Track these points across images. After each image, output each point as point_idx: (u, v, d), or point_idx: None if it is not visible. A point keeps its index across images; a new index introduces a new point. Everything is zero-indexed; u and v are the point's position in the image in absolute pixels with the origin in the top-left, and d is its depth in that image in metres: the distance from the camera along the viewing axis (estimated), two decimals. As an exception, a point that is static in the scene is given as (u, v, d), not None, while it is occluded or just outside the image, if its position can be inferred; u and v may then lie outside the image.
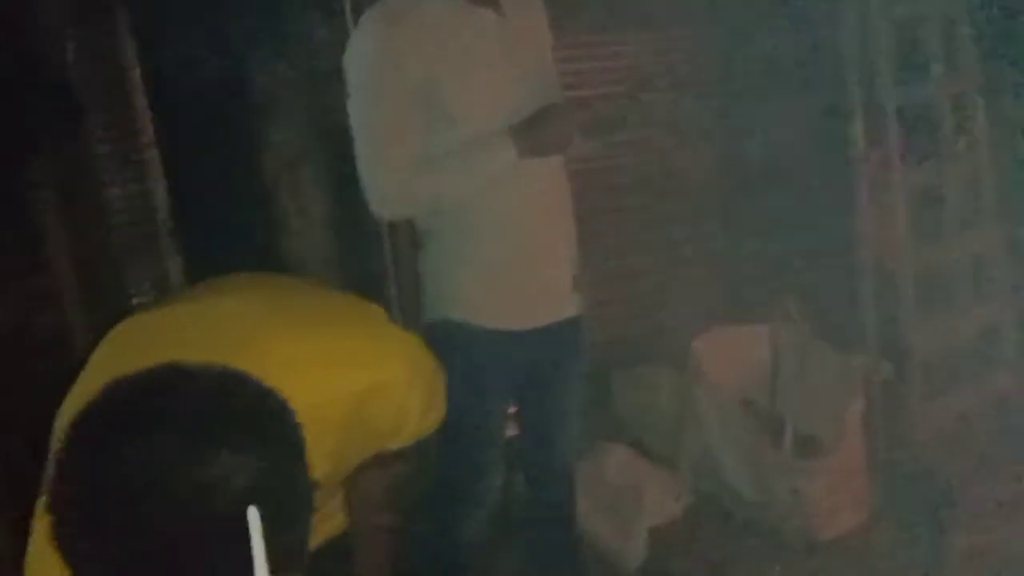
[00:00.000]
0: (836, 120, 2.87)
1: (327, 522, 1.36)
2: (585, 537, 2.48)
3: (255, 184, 3.00)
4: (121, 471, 0.77)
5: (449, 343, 1.63)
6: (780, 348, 2.96)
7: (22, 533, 1.03)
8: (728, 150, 3.24)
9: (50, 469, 0.82)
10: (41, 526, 0.91)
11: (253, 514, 0.76)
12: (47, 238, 2.46)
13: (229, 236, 2.70)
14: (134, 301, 2.79)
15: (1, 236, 2.28)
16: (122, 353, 1.03)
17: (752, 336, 2.99)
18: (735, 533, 2.69)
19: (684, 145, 3.10)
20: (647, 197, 3.20)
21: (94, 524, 0.77)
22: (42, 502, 0.92)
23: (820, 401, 2.76)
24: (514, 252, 1.81)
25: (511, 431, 2.15)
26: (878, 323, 3.04)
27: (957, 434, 3.05)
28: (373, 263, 2.98)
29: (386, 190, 1.72)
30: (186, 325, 1.06)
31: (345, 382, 1.13)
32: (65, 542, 0.78)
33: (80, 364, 1.05)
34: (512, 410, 2.13)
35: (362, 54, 1.74)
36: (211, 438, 0.79)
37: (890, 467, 2.85)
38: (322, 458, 0.99)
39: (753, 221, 3.16)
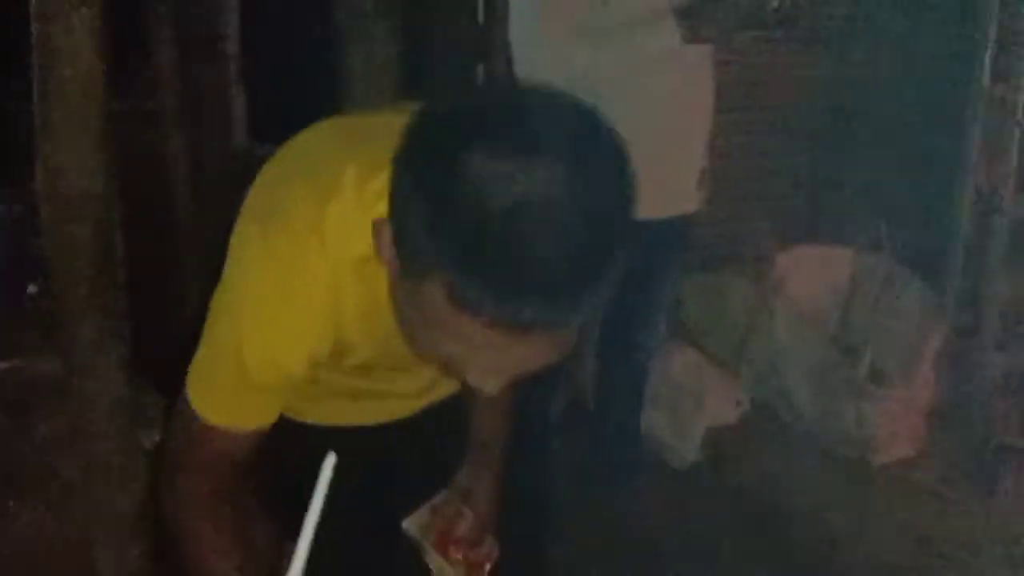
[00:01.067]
0: (961, 46, 2.76)
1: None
2: (644, 428, 2.55)
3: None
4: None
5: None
6: (863, 274, 2.95)
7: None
8: (850, 70, 3.14)
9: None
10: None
11: None
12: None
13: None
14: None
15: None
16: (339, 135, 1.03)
17: (836, 258, 2.97)
18: (790, 445, 2.74)
19: (807, 58, 3.00)
20: (745, 106, 3.13)
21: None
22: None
23: (896, 332, 2.76)
24: (659, 137, 1.78)
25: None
26: (967, 264, 3.00)
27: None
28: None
29: (540, 58, 1.70)
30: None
31: None
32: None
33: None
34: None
35: None
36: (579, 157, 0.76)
37: (952, 409, 2.87)
38: None
39: (860, 143, 3.09)
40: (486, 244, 0.74)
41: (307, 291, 0.96)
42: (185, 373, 1.05)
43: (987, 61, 2.79)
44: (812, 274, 2.92)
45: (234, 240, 1.00)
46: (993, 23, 2.83)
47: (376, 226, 0.86)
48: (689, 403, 2.73)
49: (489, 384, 0.86)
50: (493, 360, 0.82)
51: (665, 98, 1.77)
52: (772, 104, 3.09)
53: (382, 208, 0.85)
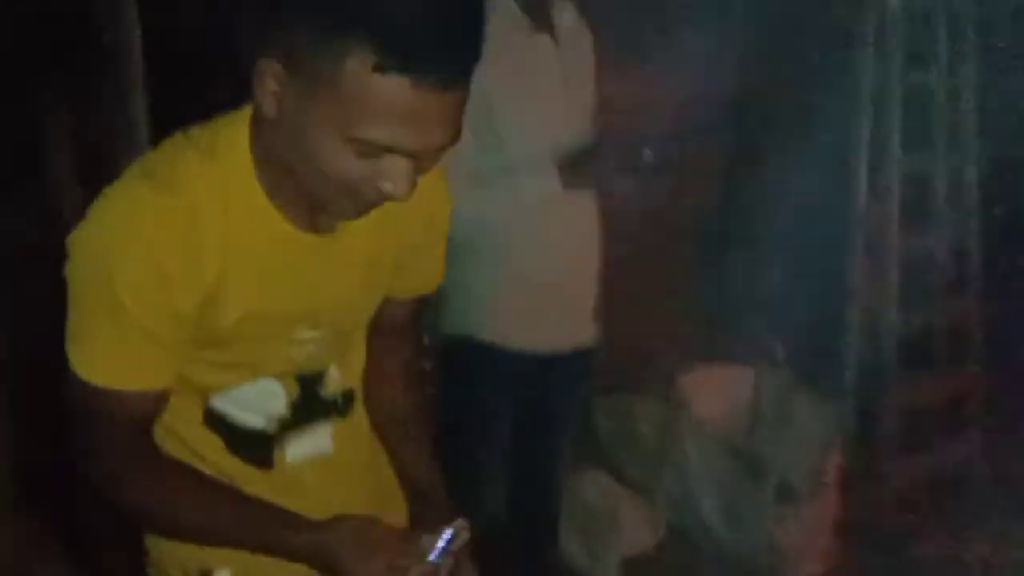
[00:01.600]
0: (841, 175, 2.95)
1: None
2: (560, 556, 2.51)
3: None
4: None
5: (468, 361, 1.66)
6: (763, 391, 3.02)
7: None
8: (734, 194, 3.30)
9: None
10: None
11: None
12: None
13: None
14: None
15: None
16: None
17: (737, 376, 3.04)
18: (706, 570, 2.74)
19: (693, 186, 3.15)
20: (643, 230, 3.25)
21: None
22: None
23: (800, 448, 2.82)
24: (547, 276, 1.84)
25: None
26: (859, 377, 3.12)
27: (923, 493, 3.13)
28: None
29: None
30: None
31: None
32: None
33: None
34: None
35: None
36: None
37: (858, 522, 2.92)
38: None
39: (747, 263, 3.22)
40: (402, 5, 0.86)
41: (173, 216, 0.97)
42: None
43: (862, 183, 3.00)
44: (715, 393, 2.99)
45: (83, 222, 0.99)
46: (864, 149, 3.05)
47: (258, 73, 0.92)
48: (604, 529, 2.72)
49: (401, 183, 0.93)
50: (411, 136, 0.90)
51: (552, 241, 1.83)
52: (659, 234, 3.22)
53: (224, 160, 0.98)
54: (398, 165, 0.93)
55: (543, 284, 1.83)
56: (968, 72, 3.15)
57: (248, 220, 1.01)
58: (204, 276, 1.00)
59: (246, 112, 1.02)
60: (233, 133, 1.02)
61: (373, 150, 0.91)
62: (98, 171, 2.46)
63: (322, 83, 0.88)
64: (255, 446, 1.15)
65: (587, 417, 3.18)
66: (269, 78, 0.92)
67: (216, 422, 1.12)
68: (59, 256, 1.00)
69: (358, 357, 1.23)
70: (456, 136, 0.93)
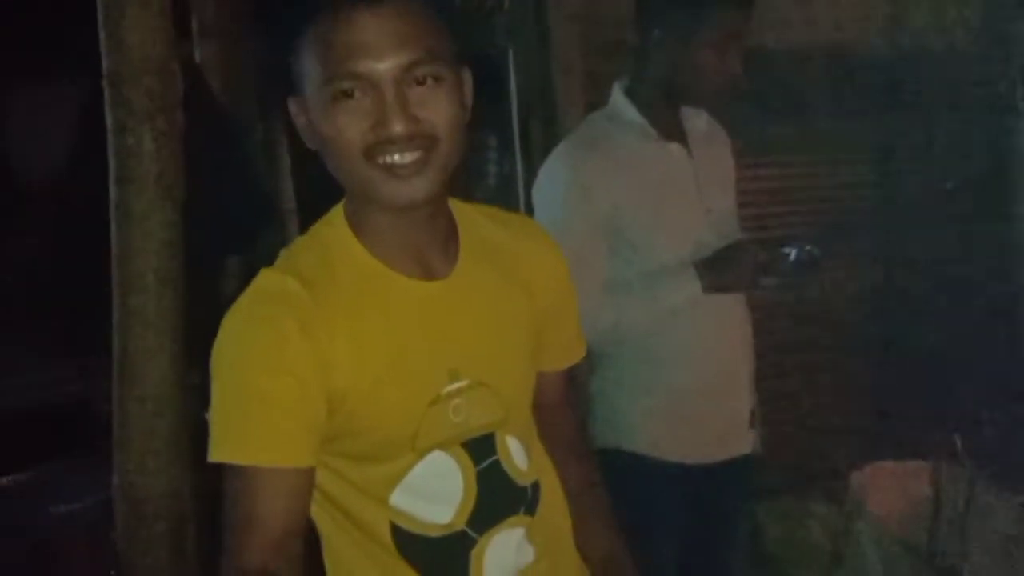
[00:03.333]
0: (1008, 248, 2.80)
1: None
2: None
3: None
4: None
5: (621, 474, 1.63)
6: (944, 487, 2.83)
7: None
8: (896, 279, 3.18)
9: None
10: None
11: None
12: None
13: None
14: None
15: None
16: None
17: (914, 472, 2.87)
18: None
19: (852, 273, 3.06)
20: (805, 324, 3.16)
21: None
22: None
23: (989, 548, 2.61)
24: (695, 384, 1.81)
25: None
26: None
27: None
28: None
29: None
30: None
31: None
32: None
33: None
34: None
35: (554, 181, 1.82)
36: None
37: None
38: None
39: (919, 353, 3.08)
40: None
41: (284, 292, 1.04)
42: None
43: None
44: (891, 490, 2.82)
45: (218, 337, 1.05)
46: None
47: (293, 115, 1.07)
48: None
49: (384, 114, 1.00)
50: (361, 59, 1.00)
51: (696, 346, 1.80)
52: (819, 323, 3.12)
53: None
54: (376, 99, 1.01)
55: (690, 391, 1.80)
56: None
57: (356, 278, 1.07)
58: (328, 345, 1.02)
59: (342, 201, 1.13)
60: (332, 214, 1.12)
61: (350, 95, 1.01)
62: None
63: (304, 85, 1.03)
64: (454, 563, 1.11)
65: (755, 524, 3.06)
66: (296, 116, 1.07)
67: (407, 543, 1.09)
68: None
69: (539, 448, 1.22)
70: (416, 51, 1.01)
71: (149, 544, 1.60)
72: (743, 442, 1.89)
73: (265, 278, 1.06)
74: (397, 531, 1.09)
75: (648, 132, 1.82)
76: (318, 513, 1.11)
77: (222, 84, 2.95)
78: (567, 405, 1.30)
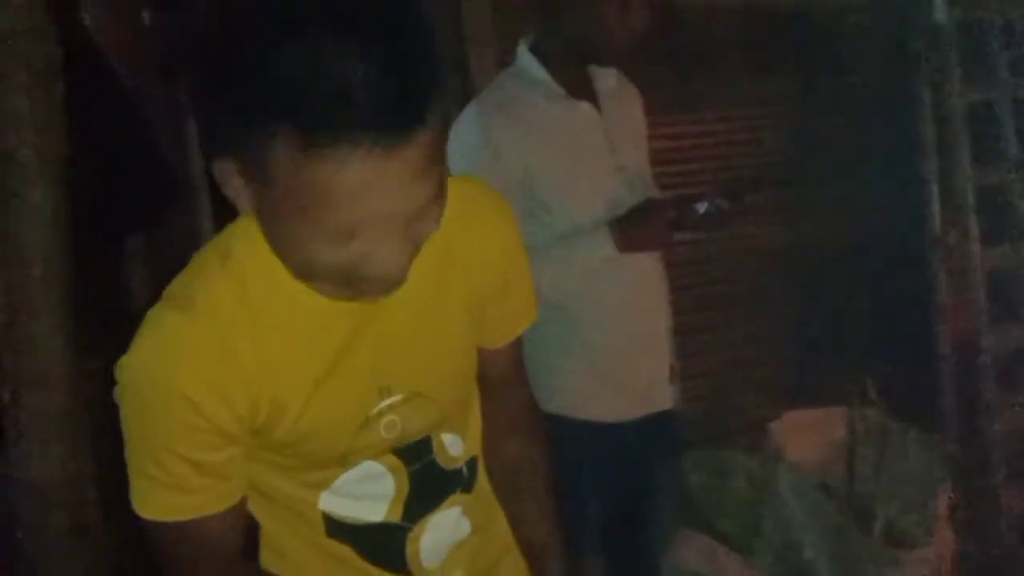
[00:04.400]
0: (915, 203, 2.88)
1: None
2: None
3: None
4: None
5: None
6: (858, 431, 2.91)
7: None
8: (806, 234, 3.24)
9: None
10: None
11: None
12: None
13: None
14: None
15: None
16: None
17: (830, 418, 2.94)
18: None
19: (762, 229, 3.10)
20: (720, 278, 3.20)
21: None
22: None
23: (905, 487, 2.70)
24: (614, 343, 1.80)
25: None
26: (958, 406, 2.99)
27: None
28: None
29: None
30: None
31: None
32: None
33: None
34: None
35: (465, 144, 1.78)
36: None
37: (976, 557, 2.77)
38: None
39: (830, 304, 3.14)
40: (318, 73, 0.77)
41: (195, 331, 0.92)
42: None
43: (935, 213, 2.91)
44: (808, 436, 2.89)
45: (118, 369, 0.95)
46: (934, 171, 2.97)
47: (219, 175, 0.87)
48: (709, 592, 2.63)
49: (387, 261, 0.86)
50: (373, 207, 0.81)
51: (612, 306, 1.79)
52: (731, 279, 3.16)
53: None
54: (379, 242, 0.84)
55: (609, 350, 1.80)
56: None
57: (278, 304, 0.95)
58: (247, 381, 0.94)
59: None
60: (246, 226, 0.94)
61: (344, 233, 0.83)
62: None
63: (267, 175, 0.81)
64: (388, 546, 1.08)
65: (679, 477, 3.11)
66: (230, 176, 0.86)
67: (338, 529, 1.06)
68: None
69: (476, 422, 1.17)
70: (434, 190, 0.85)
71: (52, 533, 1.53)
72: (663, 398, 1.90)
73: (177, 307, 0.93)
74: (329, 520, 1.06)
75: (556, 90, 1.79)
76: (249, 497, 1.05)
77: (117, 48, 2.81)
78: (517, 382, 1.25)
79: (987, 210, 3.01)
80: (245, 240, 0.95)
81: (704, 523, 2.90)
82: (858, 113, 3.03)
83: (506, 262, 1.13)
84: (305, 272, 0.90)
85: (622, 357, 1.81)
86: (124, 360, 0.94)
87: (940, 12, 3.02)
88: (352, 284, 0.89)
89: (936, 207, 2.94)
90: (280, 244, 0.88)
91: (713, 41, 3.06)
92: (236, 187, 0.87)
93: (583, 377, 1.81)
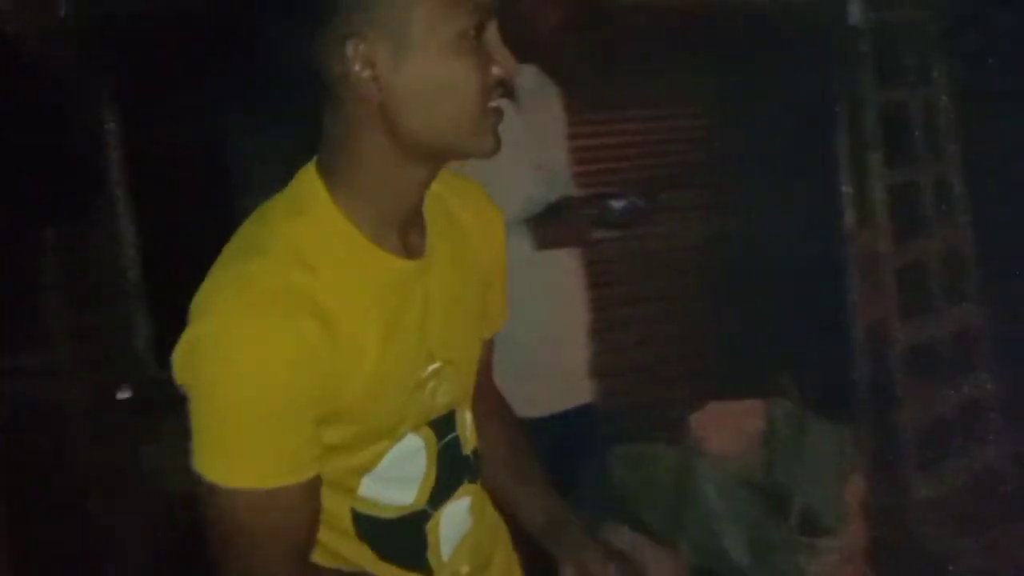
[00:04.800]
0: (829, 201, 2.96)
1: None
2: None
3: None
4: None
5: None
6: (776, 422, 2.98)
7: None
8: (723, 232, 3.30)
9: None
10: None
11: None
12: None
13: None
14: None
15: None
16: None
17: (748, 410, 3.00)
18: (739, 612, 2.67)
19: (680, 227, 3.16)
20: (640, 275, 3.25)
21: None
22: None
23: (819, 476, 2.77)
24: (533, 340, 1.82)
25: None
26: (870, 396, 3.09)
27: (948, 505, 3.08)
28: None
29: None
30: None
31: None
32: None
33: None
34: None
35: None
36: None
37: (888, 543, 2.86)
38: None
39: (747, 299, 3.21)
40: None
41: (277, 287, 0.91)
42: None
43: (847, 210, 3.00)
44: (727, 429, 2.95)
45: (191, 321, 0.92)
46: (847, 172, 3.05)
47: (342, 72, 0.93)
48: (632, 583, 2.66)
49: (505, 56, 0.96)
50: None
51: (529, 303, 1.81)
52: (649, 276, 3.21)
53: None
54: (493, 38, 0.96)
55: (528, 347, 1.82)
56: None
57: (352, 262, 0.97)
58: (333, 336, 0.93)
59: (309, 168, 1.01)
60: (308, 185, 0.99)
61: (473, 35, 0.93)
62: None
63: (402, 17, 0.91)
64: (409, 540, 1.09)
65: (602, 470, 3.15)
66: (357, 64, 0.93)
67: (366, 527, 1.06)
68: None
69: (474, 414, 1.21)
70: None
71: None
72: (583, 391, 1.93)
73: (256, 263, 0.92)
74: (357, 516, 1.06)
75: None
76: None
77: (31, 41, 2.73)
78: (491, 375, 1.33)
79: (898, 207, 3.12)
80: (314, 198, 0.98)
81: (629, 516, 2.94)
82: (775, 113, 3.10)
83: (500, 261, 1.21)
84: (451, 126, 0.97)
85: (541, 353, 1.83)
86: (196, 327, 0.90)
87: (855, 14, 3.11)
88: (487, 111, 0.98)
89: (849, 205, 3.02)
90: (422, 105, 0.95)
91: (634, 39, 3.11)
92: (364, 75, 0.93)
93: (503, 374, 1.82)
